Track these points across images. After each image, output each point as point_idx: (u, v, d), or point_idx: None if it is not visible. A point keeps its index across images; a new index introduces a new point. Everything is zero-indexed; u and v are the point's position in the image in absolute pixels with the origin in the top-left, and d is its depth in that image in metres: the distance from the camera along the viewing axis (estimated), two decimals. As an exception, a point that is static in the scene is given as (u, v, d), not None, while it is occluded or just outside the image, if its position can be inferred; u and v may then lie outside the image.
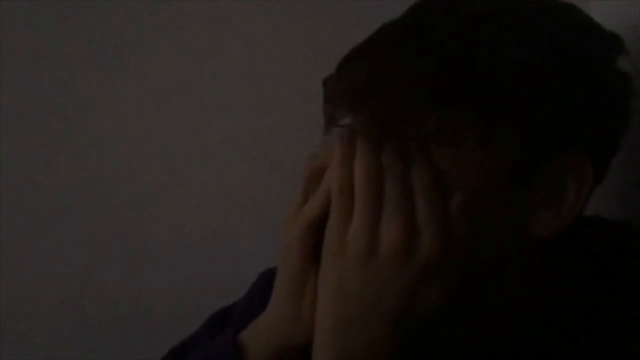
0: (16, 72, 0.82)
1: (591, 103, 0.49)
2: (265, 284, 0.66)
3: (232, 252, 0.87)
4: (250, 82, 0.84)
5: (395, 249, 0.44)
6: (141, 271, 0.87)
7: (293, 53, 0.84)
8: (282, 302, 0.51)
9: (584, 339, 0.51)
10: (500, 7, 0.49)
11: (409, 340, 0.47)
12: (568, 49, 0.49)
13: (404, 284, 0.45)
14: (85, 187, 0.85)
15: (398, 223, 0.45)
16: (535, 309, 0.53)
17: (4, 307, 0.86)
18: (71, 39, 0.82)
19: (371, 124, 0.47)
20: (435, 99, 0.46)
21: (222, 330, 0.66)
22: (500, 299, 0.51)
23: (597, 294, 0.53)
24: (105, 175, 0.86)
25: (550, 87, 0.48)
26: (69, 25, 0.82)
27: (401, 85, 0.47)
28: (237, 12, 0.83)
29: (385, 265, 0.45)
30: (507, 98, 0.47)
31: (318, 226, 0.48)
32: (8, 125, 0.83)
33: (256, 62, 0.84)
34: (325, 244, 0.47)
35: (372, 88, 0.48)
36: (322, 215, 0.48)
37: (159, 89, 0.84)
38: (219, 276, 0.86)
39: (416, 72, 0.47)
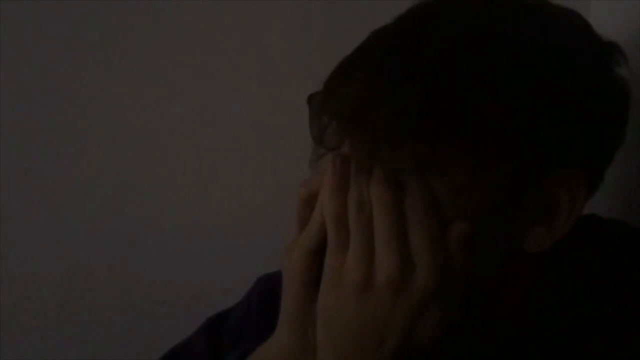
0: (16, 72, 0.82)
1: (586, 119, 0.49)
2: (262, 290, 0.66)
3: (231, 254, 0.87)
4: (250, 82, 0.84)
5: (390, 282, 0.44)
6: (140, 273, 0.87)
7: (294, 53, 0.84)
8: (286, 332, 0.50)
9: (583, 340, 0.51)
10: (492, 25, 0.48)
11: None
12: (564, 66, 0.48)
13: (400, 316, 0.44)
14: (85, 187, 0.85)
15: (392, 255, 0.44)
16: (533, 315, 0.53)
17: (4, 307, 0.85)
18: (72, 39, 0.82)
19: (362, 152, 0.47)
20: (427, 132, 0.46)
21: (218, 336, 0.66)
22: (496, 311, 0.51)
23: (594, 294, 0.52)
24: (104, 176, 0.85)
25: (543, 110, 0.47)
26: (69, 25, 0.82)
27: (391, 115, 0.46)
28: (239, 12, 0.83)
29: (382, 297, 0.44)
30: (500, 128, 0.46)
31: (317, 253, 0.48)
32: (8, 125, 0.83)
33: (256, 62, 0.84)
34: (324, 273, 0.46)
35: (361, 115, 0.47)
36: (320, 243, 0.47)
37: (158, 89, 0.84)
38: (217, 278, 0.86)
39: (406, 103, 0.46)
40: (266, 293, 0.65)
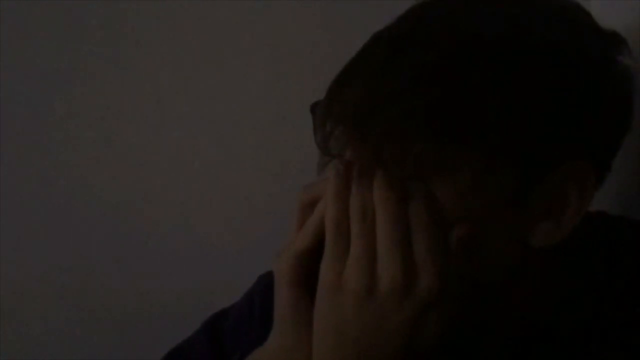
0: (16, 73, 0.82)
1: (591, 111, 0.49)
2: (265, 287, 0.66)
3: (232, 254, 0.87)
4: (252, 87, 0.84)
5: (393, 288, 0.43)
6: (141, 272, 0.87)
7: (295, 53, 0.84)
8: (279, 333, 0.50)
9: (589, 336, 0.51)
10: (493, 24, 0.48)
11: None
12: (568, 61, 0.48)
13: (403, 322, 0.44)
14: (86, 187, 0.85)
15: (396, 261, 0.43)
16: (540, 311, 0.53)
17: (4, 306, 0.85)
18: (72, 39, 0.82)
19: (366, 157, 0.47)
20: (431, 137, 0.46)
21: (219, 335, 0.65)
22: (507, 306, 0.51)
23: (602, 290, 0.52)
24: (105, 175, 0.86)
25: (549, 107, 0.47)
26: (70, 25, 0.82)
27: (395, 119, 0.46)
28: (241, 12, 0.83)
29: (384, 303, 0.44)
30: (505, 128, 0.46)
31: (310, 256, 0.48)
32: (8, 125, 0.83)
33: (258, 66, 0.84)
34: (321, 278, 0.46)
35: (365, 120, 0.47)
36: (314, 246, 0.48)
37: (160, 90, 0.84)
38: (218, 277, 0.86)
39: (409, 107, 0.46)
40: (269, 289, 0.65)
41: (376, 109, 0.47)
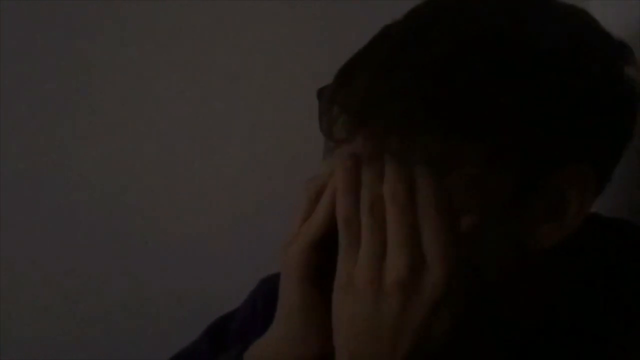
0: (16, 73, 0.82)
1: (596, 116, 0.49)
2: (267, 292, 0.66)
3: (233, 256, 0.87)
4: (252, 83, 0.84)
5: (401, 284, 0.43)
6: (141, 274, 0.87)
7: (295, 53, 0.84)
8: (285, 325, 0.50)
9: (587, 338, 0.52)
10: (503, 21, 0.49)
11: None
12: (571, 62, 0.48)
13: (414, 318, 0.43)
14: (86, 187, 0.85)
15: (402, 257, 0.43)
16: (539, 311, 0.53)
17: (4, 307, 0.85)
18: (72, 39, 0.82)
19: (373, 145, 0.47)
20: (437, 126, 0.46)
21: (222, 340, 0.65)
22: (502, 307, 0.52)
23: (598, 293, 0.53)
24: (105, 175, 0.85)
25: (554, 108, 0.47)
26: (70, 24, 0.82)
27: (402, 108, 0.46)
28: (242, 11, 0.83)
29: (393, 300, 0.43)
30: (509, 124, 0.47)
31: (316, 249, 0.48)
32: (9, 125, 0.83)
33: (257, 62, 0.84)
34: (337, 274, 0.46)
35: (372, 108, 0.47)
36: (322, 237, 0.47)
37: (159, 91, 0.84)
38: (219, 280, 0.86)
39: (417, 97, 0.46)
40: (272, 294, 0.65)
41: (380, 102, 0.47)
